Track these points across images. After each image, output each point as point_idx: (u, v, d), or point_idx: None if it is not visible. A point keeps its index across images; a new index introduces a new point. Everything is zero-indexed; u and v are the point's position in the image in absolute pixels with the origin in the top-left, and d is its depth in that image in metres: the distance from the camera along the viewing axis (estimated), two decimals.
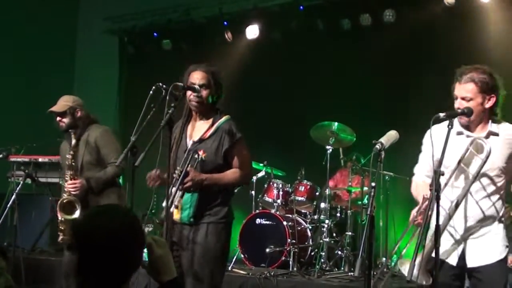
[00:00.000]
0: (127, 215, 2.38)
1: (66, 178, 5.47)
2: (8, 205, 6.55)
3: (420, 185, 4.06)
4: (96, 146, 5.53)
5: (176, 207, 4.23)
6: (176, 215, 4.30)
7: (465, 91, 3.82)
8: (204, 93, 4.34)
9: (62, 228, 5.47)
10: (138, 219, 2.40)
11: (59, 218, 5.48)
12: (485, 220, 3.84)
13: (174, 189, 4.18)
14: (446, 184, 3.85)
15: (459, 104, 3.84)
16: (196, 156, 4.24)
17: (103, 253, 2.25)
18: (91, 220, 2.34)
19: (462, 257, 3.84)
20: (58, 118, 5.60)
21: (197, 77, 4.36)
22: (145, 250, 2.41)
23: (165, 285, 2.46)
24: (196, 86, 4.31)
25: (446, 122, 3.79)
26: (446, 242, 3.81)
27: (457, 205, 3.78)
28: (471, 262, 3.82)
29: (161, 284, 2.46)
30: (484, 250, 3.82)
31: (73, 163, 5.46)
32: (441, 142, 3.68)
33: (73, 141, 5.47)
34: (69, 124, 5.56)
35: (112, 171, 5.51)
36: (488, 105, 3.84)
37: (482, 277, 3.79)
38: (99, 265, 2.26)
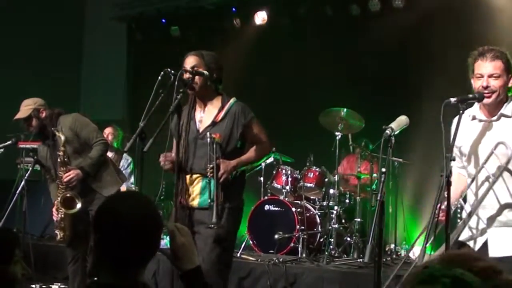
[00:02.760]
0: (147, 201, 2.41)
1: (60, 174, 5.51)
2: (18, 192, 6.57)
3: (455, 179, 3.90)
4: (73, 133, 5.58)
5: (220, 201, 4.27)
6: (193, 201, 4.32)
7: (493, 68, 3.74)
8: (196, 77, 4.33)
9: (63, 225, 5.53)
10: (157, 207, 2.42)
11: (59, 215, 5.52)
12: (509, 209, 3.78)
13: (212, 185, 4.22)
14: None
15: (486, 82, 3.74)
16: (216, 141, 4.24)
17: (124, 236, 2.27)
18: (114, 204, 2.38)
19: (485, 245, 3.78)
20: (26, 124, 5.65)
21: (188, 61, 4.39)
22: (168, 238, 2.43)
23: (187, 273, 2.46)
24: (205, 72, 4.31)
25: (469, 110, 3.75)
26: (470, 229, 3.78)
27: (470, 214, 3.76)
28: (493, 252, 3.73)
29: (183, 272, 2.47)
30: (508, 241, 3.74)
31: (65, 159, 5.49)
32: (464, 132, 3.65)
33: (62, 138, 5.49)
34: (37, 126, 5.63)
35: (99, 150, 5.60)
36: (511, 84, 3.79)
37: (506, 268, 3.70)
38: (117, 247, 2.27)
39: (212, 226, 4.16)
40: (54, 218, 5.63)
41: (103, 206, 2.40)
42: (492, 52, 3.76)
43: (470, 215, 3.78)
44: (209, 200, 4.24)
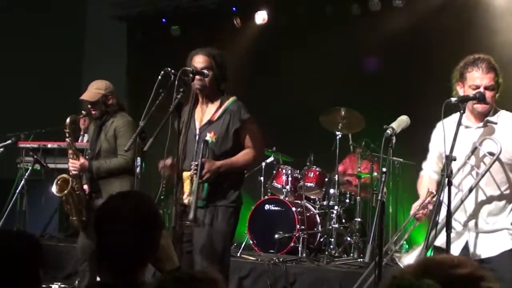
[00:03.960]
0: (147, 200, 2.41)
1: (70, 157, 5.48)
2: (17, 191, 6.57)
3: (425, 180, 4.05)
4: (114, 134, 5.51)
5: (201, 198, 4.25)
6: (188, 199, 4.32)
7: (489, 80, 3.75)
8: (206, 78, 4.34)
9: (68, 207, 5.48)
10: (157, 206, 2.41)
11: (63, 198, 5.49)
12: (491, 214, 3.78)
13: (195, 183, 4.20)
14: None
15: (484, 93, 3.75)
16: (205, 140, 4.24)
17: (123, 236, 2.26)
18: (113, 203, 2.37)
19: (465, 248, 3.79)
20: (89, 106, 5.51)
21: (198, 61, 4.38)
22: None
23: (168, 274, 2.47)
24: (205, 71, 4.31)
25: (453, 117, 3.76)
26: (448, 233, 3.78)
27: (462, 201, 3.75)
28: (474, 254, 3.74)
29: (164, 274, 2.47)
30: (490, 242, 3.75)
31: (71, 141, 5.47)
32: (448, 137, 3.64)
33: (68, 120, 5.44)
34: (101, 112, 5.50)
35: (117, 162, 5.45)
36: (498, 94, 3.81)
37: (492, 268, 3.64)
38: (118, 247, 2.27)
39: (188, 223, 4.14)
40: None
41: (103, 205, 2.39)
42: (485, 62, 3.76)
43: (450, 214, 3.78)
44: (190, 198, 4.24)
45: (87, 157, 5.51)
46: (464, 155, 3.81)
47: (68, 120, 5.46)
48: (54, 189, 5.48)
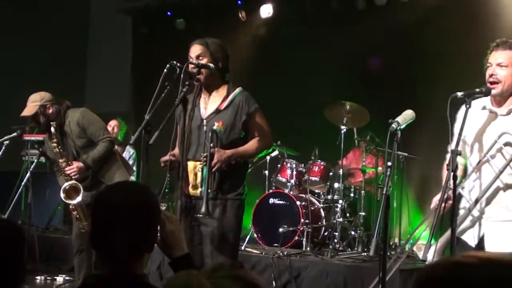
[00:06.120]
0: (145, 192, 2.39)
1: (62, 166, 5.51)
2: (23, 184, 6.59)
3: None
4: (81, 128, 5.56)
5: (213, 189, 4.26)
6: (196, 190, 4.31)
7: (502, 57, 3.72)
8: (201, 69, 4.33)
9: (76, 215, 5.54)
10: (155, 196, 2.41)
11: (70, 206, 5.54)
12: (507, 205, 3.76)
13: (205, 174, 4.20)
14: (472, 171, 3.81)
15: (493, 70, 3.73)
16: (214, 130, 4.23)
17: (117, 227, 2.25)
18: (107, 194, 2.36)
19: (481, 239, 3.76)
20: (33, 121, 5.61)
21: (194, 50, 4.38)
22: None
23: (176, 260, 2.48)
24: (211, 65, 4.30)
25: (479, 100, 3.73)
26: (466, 222, 3.76)
27: (476, 201, 3.73)
28: (489, 246, 3.71)
29: (172, 259, 2.48)
30: (505, 236, 3.70)
31: (61, 150, 5.48)
32: (472, 121, 3.63)
33: (52, 129, 5.46)
34: (44, 123, 5.56)
35: (104, 147, 5.59)
36: None
37: None
38: (112, 238, 2.26)
39: (201, 215, 4.16)
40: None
41: (97, 197, 2.40)
42: (507, 43, 3.74)
43: (476, 202, 3.76)
44: (200, 190, 4.25)
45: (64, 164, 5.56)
46: (483, 139, 3.79)
47: (52, 129, 5.47)
48: (63, 197, 5.53)
